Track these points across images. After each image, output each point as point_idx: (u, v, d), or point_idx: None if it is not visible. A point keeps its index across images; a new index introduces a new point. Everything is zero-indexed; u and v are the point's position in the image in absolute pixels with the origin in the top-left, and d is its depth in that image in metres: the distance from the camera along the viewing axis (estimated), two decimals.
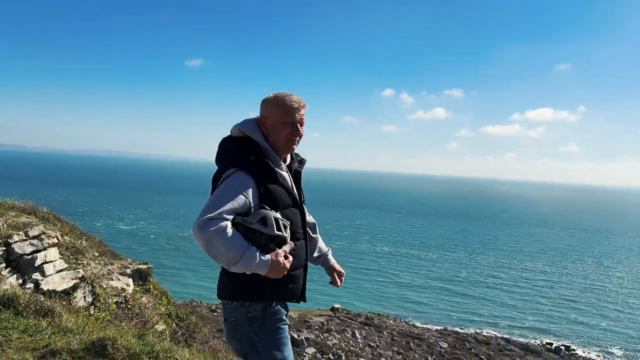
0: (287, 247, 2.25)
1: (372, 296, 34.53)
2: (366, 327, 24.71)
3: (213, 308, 26.51)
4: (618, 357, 26.28)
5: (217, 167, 2.39)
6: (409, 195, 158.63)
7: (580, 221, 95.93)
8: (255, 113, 2.49)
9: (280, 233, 2.19)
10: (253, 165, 2.25)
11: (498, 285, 39.28)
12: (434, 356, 20.55)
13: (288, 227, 2.25)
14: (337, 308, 27.68)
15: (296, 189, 2.43)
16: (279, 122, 2.36)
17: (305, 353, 18.34)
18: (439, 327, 27.07)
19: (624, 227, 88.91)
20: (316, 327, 24.14)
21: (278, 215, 2.23)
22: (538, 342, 26.65)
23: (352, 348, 20.05)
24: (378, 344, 21.83)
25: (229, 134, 2.43)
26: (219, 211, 2.12)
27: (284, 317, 2.38)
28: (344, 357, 18.04)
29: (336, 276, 2.66)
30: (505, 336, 26.61)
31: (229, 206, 2.15)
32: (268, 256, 2.16)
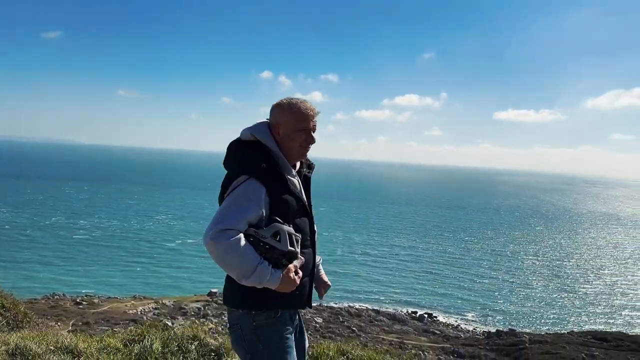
0: (297, 262, 2.22)
1: None
2: None
3: (78, 301, 24.82)
4: (472, 320, 29.50)
5: (225, 171, 2.33)
6: None
7: (442, 199, 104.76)
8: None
9: (292, 249, 2.16)
10: (265, 172, 2.19)
11: (369, 262, 41.71)
12: (309, 332, 21.29)
13: (299, 241, 2.22)
14: (215, 292, 27.41)
15: (305, 196, 2.38)
16: (294, 129, 2.31)
17: None
18: (314, 304, 28.06)
19: (480, 204, 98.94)
20: (192, 313, 23.73)
21: (291, 229, 2.19)
22: (404, 311, 28.91)
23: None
24: None
25: (238, 137, 2.35)
26: (232, 222, 2.09)
27: (289, 325, 2.34)
28: (220, 341, 17.95)
29: (322, 288, 2.58)
30: (376, 308, 28.48)
31: (242, 216, 2.11)
32: (279, 272, 2.14)
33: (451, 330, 26.08)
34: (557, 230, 66.89)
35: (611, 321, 30.71)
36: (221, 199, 2.25)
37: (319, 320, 23.34)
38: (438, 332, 25.01)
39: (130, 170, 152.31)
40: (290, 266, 2.17)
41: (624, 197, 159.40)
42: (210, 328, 20.28)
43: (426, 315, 28.53)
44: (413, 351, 19.40)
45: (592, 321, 30.57)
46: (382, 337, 21.80)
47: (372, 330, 22.92)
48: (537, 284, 38.56)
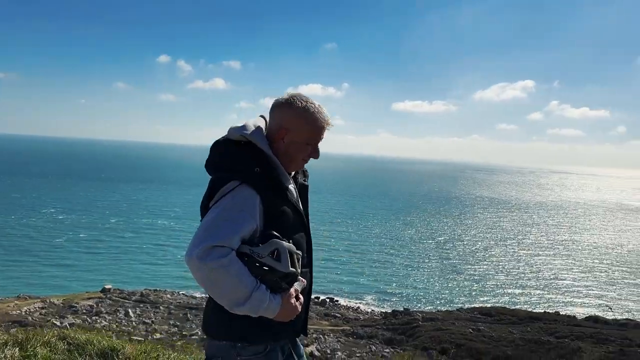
0: (298, 286, 1.89)
1: (147, 272, 33.38)
2: (141, 305, 23.86)
3: None
4: (371, 303, 30.80)
5: (208, 174, 1.93)
6: (190, 166, 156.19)
7: (344, 187, 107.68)
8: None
9: (293, 270, 1.83)
10: (260, 178, 1.82)
11: None
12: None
13: (300, 259, 1.89)
14: (109, 289, 26.06)
15: (302, 206, 2.03)
16: (303, 140, 1.96)
17: None
18: None
19: (379, 191, 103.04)
20: (84, 311, 22.36)
21: (292, 246, 1.85)
22: None
23: (124, 328, 19.17)
24: (154, 319, 21.31)
25: (225, 136, 1.96)
26: (222, 238, 1.71)
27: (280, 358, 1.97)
28: (114, 338, 17.09)
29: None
30: None
31: (234, 230, 1.74)
32: (279, 297, 1.81)
33: (351, 313, 27.02)
34: (447, 215, 71.47)
35: (496, 298, 33.51)
36: (204, 208, 1.86)
37: None
38: (339, 315, 25.81)
39: (17, 160, 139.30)
40: (291, 290, 1.85)
41: (507, 183, 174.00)
42: (104, 326, 19.27)
43: (328, 300, 29.30)
44: (314, 335, 19.80)
45: (479, 298, 33.13)
46: None
47: None
48: (430, 265, 41.03)
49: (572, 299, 33.96)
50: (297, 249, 1.87)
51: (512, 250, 49.19)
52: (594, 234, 61.87)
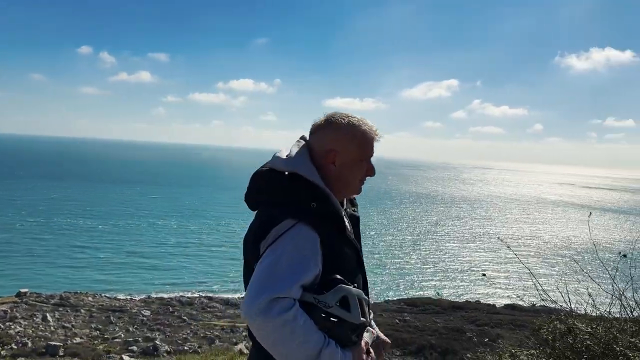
0: (368, 338, 1.68)
1: (67, 275, 31.70)
2: (61, 308, 22.62)
3: None
4: None
5: (252, 210, 1.75)
6: (115, 162, 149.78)
7: None
8: None
9: (364, 319, 1.62)
10: (317, 215, 1.61)
11: (204, 251, 40.92)
12: (135, 325, 20.24)
13: (369, 306, 1.68)
14: (25, 292, 24.48)
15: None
16: (355, 158, 1.77)
17: None
18: (143, 297, 26.80)
19: None
20: None
21: (360, 292, 1.64)
22: (238, 295, 29.13)
23: (40, 333, 18.09)
24: (74, 323, 20.27)
25: (268, 164, 1.75)
26: (284, 288, 1.50)
27: None
28: (30, 344, 16.11)
29: (382, 349, 1.86)
30: (209, 295, 28.21)
31: (296, 279, 1.53)
32: (349, 353, 1.58)
33: None
34: (377, 210, 73.20)
35: (422, 289, 34.77)
36: (253, 251, 1.65)
37: (147, 312, 22.30)
38: None
39: None
40: (362, 345, 1.64)
41: (432, 178, 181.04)
42: (18, 332, 18.10)
43: None
44: (244, 333, 19.66)
45: (406, 290, 34.23)
46: (214, 323, 21.68)
47: (204, 317, 22.64)
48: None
49: (492, 289, 35.91)
50: (365, 297, 1.67)
51: (438, 243, 51.21)
52: (514, 226, 65.67)
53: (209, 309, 24.24)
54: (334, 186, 1.73)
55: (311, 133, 1.83)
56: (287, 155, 1.73)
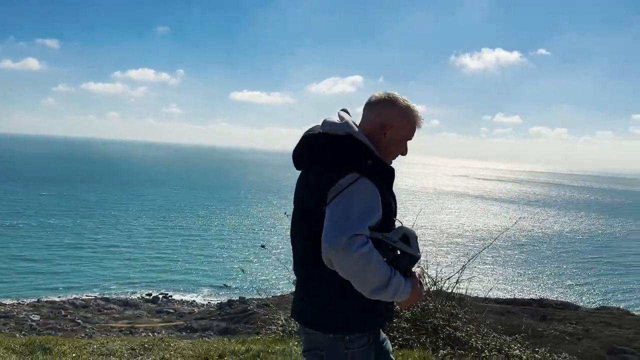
0: (419, 270, 1.97)
1: None
2: None
3: None
4: (207, 295, 30.48)
5: (303, 165, 2.07)
6: None
7: (184, 179, 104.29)
8: None
9: (420, 253, 1.91)
10: (373, 170, 1.88)
11: (99, 250, 38.78)
12: (24, 331, 18.91)
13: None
14: None
15: None
16: (403, 136, 2.08)
17: None
18: (32, 300, 25.00)
19: (220, 182, 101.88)
20: None
21: (415, 232, 1.94)
22: (137, 295, 28.08)
23: None
24: None
25: (317, 129, 2.02)
26: (360, 227, 1.77)
27: (374, 350, 2.03)
28: None
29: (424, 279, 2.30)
30: (105, 296, 26.90)
31: (367, 220, 1.81)
32: (409, 282, 1.88)
33: (186, 307, 26.54)
34: (286, 204, 73.66)
35: None
36: (318, 200, 1.88)
37: (36, 317, 20.91)
38: (172, 311, 25.16)
39: None
40: (419, 273, 1.97)
41: None
42: None
43: (161, 296, 28.32)
44: (143, 334, 19.09)
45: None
46: (111, 325, 20.81)
47: (100, 319, 21.65)
48: (270, 253, 42.01)
49: None
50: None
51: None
52: (410, 216, 69.09)
53: (105, 311, 23.24)
54: (380, 152, 2.01)
55: (370, 105, 2.09)
56: (340, 121, 2.01)
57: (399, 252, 1.88)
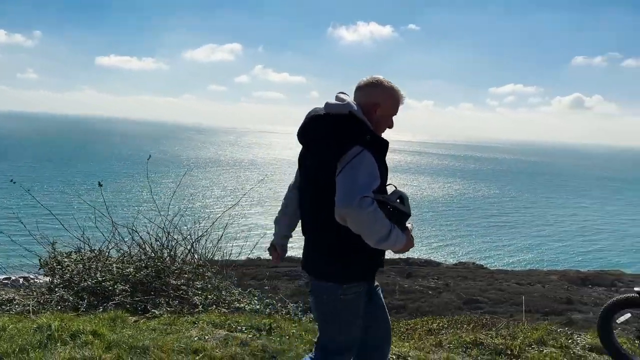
0: (410, 225, 2.37)
1: None
2: None
3: None
4: None
5: (311, 142, 2.42)
6: None
7: (43, 152, 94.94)
8: None
9: (410, 212, 2.33)
10: (372, 144, 2.28)
11: None
12: None
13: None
14: None
15: None
16: (389, 113, 2.46)
17: None
18: None
19: (92, 155, 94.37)
20: None
21: (406, 193, 2.36)
22: None
23: None
24: None
25: (320, 110, 2.39)
26: (369, 190, 2.17)
27: (364, 297, 2.49)
28: None
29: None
30: None
31: (372, 185, 2.20)
32: (404, 234, 2.29)
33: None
34: (170, 177, 70.82)
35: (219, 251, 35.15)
36: (329, 169, 2.26)
37: None
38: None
39: None
40: (410, 227, 2.35)
41: (220, 143, 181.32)
42: None
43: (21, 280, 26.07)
44: None
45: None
46: None
47: None
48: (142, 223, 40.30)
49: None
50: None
51: (228, 205, 51.89)
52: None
53: None
54: (373, 128, 2.38)
55: (362, 88, 2.46)
56: (342, 102, 2.35)
57: (396, 211, 2.30)
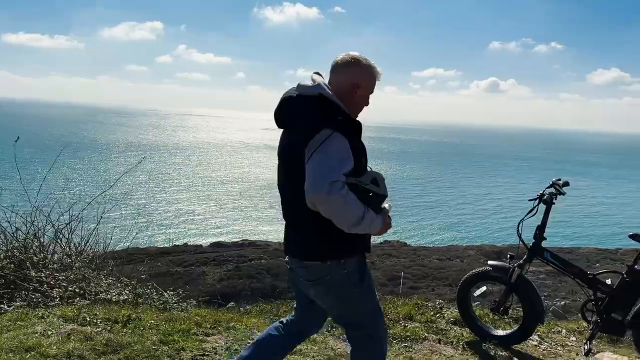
0: (387, 206, 2.32)
1: None
2: None
3: None
4: None
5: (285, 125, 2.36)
6: None
7: None
8: None
9: (387, 192, 2.28)
10: (344, 125, 2.19)
11: None
12: None
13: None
14: None
15: None
16: (368, 92, 2.41)
17: None
18: None
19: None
20: None
21: (381, 174, 2.29)
22: None
23: None
24: None
25: (294, 92, 2.30)
26: (338, 174, 2.11)
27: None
28: None
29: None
30: None
31: (343, 168, 2.13)
32: (380, 216, 2.25)
33: None
34: (82, 162, 67.24)
35: (136, 239, 33.96)
36: (300, 153, 2.18)
37: None
38: None
39: None
40: (386, 209, 2.31)
41: (143, 126, 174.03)
42: None
43: None
44: None
45: (118, 243, 32.99)
46: None
47: None
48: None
49: (202, 230, 37.81)
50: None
51: (154, 193, 50.35)
52: (222, 171, 69.50)
53: None
54: (351, 108, 2.33)
55: (339, 67, 2.37)
56: (313, 84, 2.28)
57: (370, 193, 2.25)
